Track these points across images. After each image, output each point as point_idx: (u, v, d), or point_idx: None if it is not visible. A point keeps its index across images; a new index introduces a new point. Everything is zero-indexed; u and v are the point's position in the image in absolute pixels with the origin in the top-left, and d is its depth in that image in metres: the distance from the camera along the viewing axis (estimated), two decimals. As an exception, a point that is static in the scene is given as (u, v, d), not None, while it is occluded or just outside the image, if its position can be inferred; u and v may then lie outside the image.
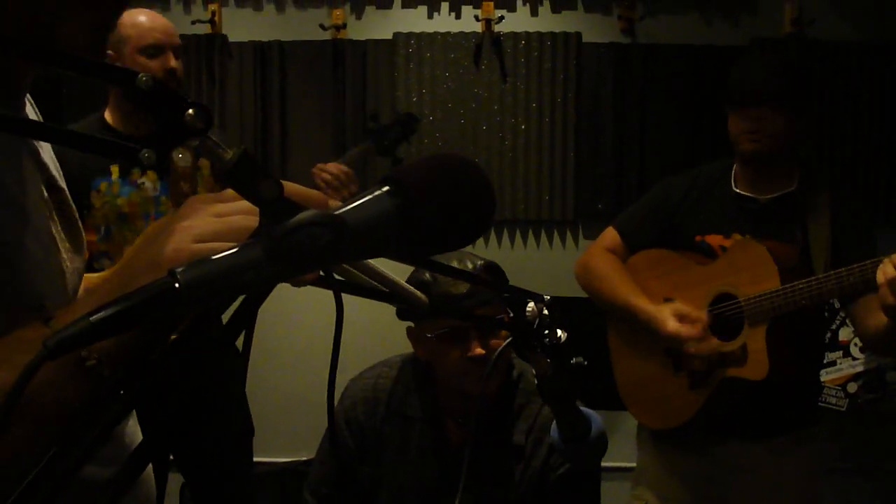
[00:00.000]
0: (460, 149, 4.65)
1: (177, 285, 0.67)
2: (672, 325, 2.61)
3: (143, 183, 2.95)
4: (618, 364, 2.91)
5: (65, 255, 1.08)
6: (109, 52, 2.71)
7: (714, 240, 2.72)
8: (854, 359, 4.53)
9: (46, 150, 1.07)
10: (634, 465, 3.00)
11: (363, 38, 4.69)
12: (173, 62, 2.91)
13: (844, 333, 4.46)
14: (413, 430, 2.34)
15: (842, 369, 4.54)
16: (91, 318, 0.64)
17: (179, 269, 0.68)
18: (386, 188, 0.76)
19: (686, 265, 2.74)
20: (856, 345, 4.50)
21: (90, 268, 2.76)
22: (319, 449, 2.50)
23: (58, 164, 1.12)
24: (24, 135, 0.69)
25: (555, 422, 1.66)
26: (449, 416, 2.33)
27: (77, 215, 1.16)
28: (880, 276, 2.18)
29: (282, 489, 4.39)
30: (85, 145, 0.70)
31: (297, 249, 0.70)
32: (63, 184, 1.12)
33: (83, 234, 1.17)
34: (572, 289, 2.99)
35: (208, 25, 4.63)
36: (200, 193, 2.97)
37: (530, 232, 4.82)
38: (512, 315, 1.39)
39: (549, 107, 4.68)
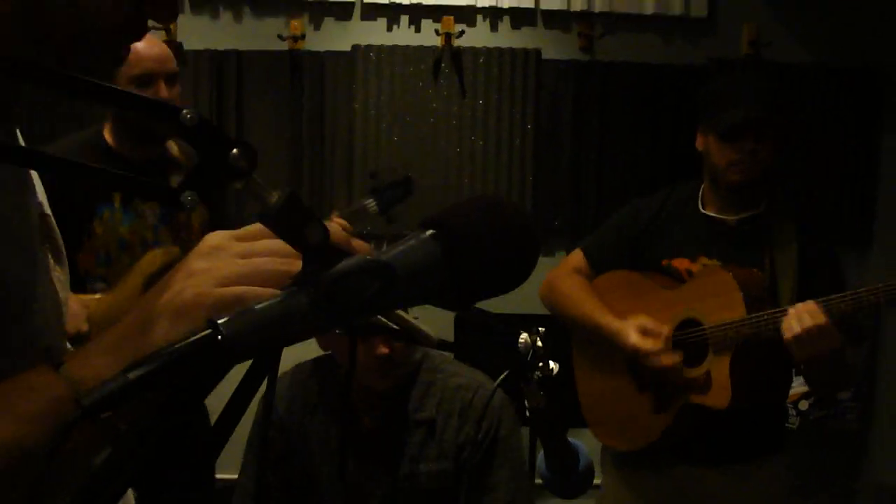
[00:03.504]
0: (417, 163, 4.62)
1: (219, 337, 0.62)
2: (634, 337, 2.59)
3: (144, 211, 2.91)
4: (582, 384, 2.89)
5: (57, 286, 1.02)
6: None
7: (680, 263, 2.71)
8: (792, 379, 4.56)
9: (34, 174, 1.02)
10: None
11: (322, 50, 4.63)
12: (164, 92, 2.82)
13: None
14: (331, 421, 2.37)
15: (793, 387, 4.58)
16: (130, 375, 0.59)
17: (221, 321, 0.63)
18: (430, 232, 0.72)
19: (651, 288, 2.72)
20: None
21: (82, 289, 2.71)
22: (245, 458, 2.51)
23: (42, 188, 1.06)
24: (54, 172, 0.63)
25: (542, 453, 1.63)
26: (361, 406, 2.36)
27: (62, 243, 1.10)
28: (786, 333, 2.34)
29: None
30: (121, 185, 0.65)
31: (345, 299, 0.65)
32: (48, 210, 1.06)
33: (66, 260, 1.11)
34: (530, 305, 2.96)
35: (163, 32, 4.53)
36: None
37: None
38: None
39: (508, 122, 4.67)
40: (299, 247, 0.66)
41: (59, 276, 1.04)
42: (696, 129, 2.76)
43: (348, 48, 4.61)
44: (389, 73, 4.62)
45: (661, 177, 4.48)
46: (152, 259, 2.86)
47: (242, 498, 2.45)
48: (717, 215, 2.71)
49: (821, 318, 2.29)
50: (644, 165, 4.67)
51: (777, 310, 2.43)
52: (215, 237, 0.80)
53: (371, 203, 3.04)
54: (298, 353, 2.49)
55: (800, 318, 2.30)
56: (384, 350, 2.21)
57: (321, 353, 2.47)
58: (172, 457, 0.68)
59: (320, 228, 0.66)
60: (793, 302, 2.46)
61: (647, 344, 2.58)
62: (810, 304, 2.32)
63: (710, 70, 4.60)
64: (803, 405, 4.55)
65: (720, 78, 3.80)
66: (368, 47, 4.60)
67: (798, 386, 4.54)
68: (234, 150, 0.64)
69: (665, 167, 4.58)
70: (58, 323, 0.99)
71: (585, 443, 2.82)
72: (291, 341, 0.66)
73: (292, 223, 0.65)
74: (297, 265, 0.75)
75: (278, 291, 0.74)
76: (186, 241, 2.98)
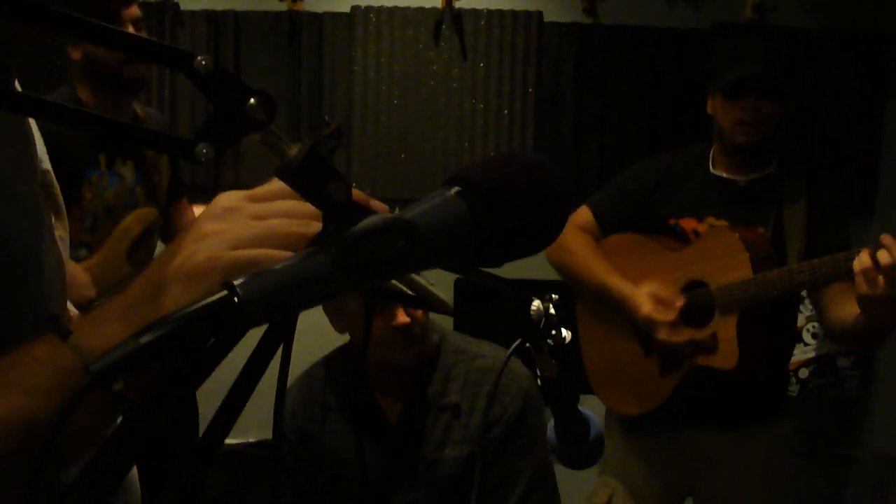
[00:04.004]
0: (417, 127, 4.57)
1: (236, 300, 0.58)
2: (647, 307, 2.58)
3: (123, 174, 2.86)
4: (587, 347, 2.87)
5: (59, 245, 0.98)
6: None
7: (688, 223, 2.70)
8: (806, 344, 4.56)
9: (34, 128, 0.97)
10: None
11: (320, 11, 4.55)
12: (137, 11, 2.81)
13: (797, 320, 4.49)
14: (351, 413, 2.32)
15: (794, 355, 4.58)
16: (141, 340, 0.55)
17: (238, 282, 0.59)
18: (455, 189, 0.68)
19: (658, 250, 2.71)
20: (808, 331, 4.53)
21: None
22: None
23: (42, 144, 1.02)
24: (63, 123, 0.59)
25: (552, 422, 1.61)
26: (381, 393, 2.30)
27: (61, 199, 1.06)
28: (856, 265, 2.15)
29: (230, 471, 4.29)
30: (133, 136, 0.61)
31: (368, 259, 0.62)
32: (48, 165, 1.02)
33: (66, 217, 1.07)
34: (532, 270, 2.92)
35: (159, -10, 4.46)
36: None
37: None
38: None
39: (509, 85, 4.60)
40: (320, 204, 0.62)
41: (61, 234, 1.00)
42: (701, 93, 2.76)
43: (348, 9, 4.53)
44: (389, 35, 4.55)
45: (662, 140, 4.45)
46: (133, 224, 2.84)
47: None
48: (727, 175, 2.69)
49: None
50: (645, 129, 4.62)
51: (783, 269, 2.41)
52: (227, 197, 0.76)
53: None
54: (313, 346, 2.44)
55: (890, 249, 2.11)
56: (404, 319, 2.15)
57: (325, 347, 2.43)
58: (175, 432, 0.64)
59: (343, 185, 0.62)
60: (800, 259, 2.44)
61: (659, 315, 2.56)
62: (890, 240, 2.12)
63: (714, 35, 4.54)
64: (803, 373, 4.54)
65: (725, 42, 3.76)
66: (368, 8, 4.53)
67: (798, 354, 4.55)
68: (252, 100, 0.60)
69: (667, 131, 4.54)
70: (62, 287, 0.95)
71: (591, 409, 2.81)
72: (311, 304, 0.62)
73: (313, 179, 0.61)
74: (314, 227, 0.71)
75: (294, 254, 0.71)
76: (160, 202, 2.96)
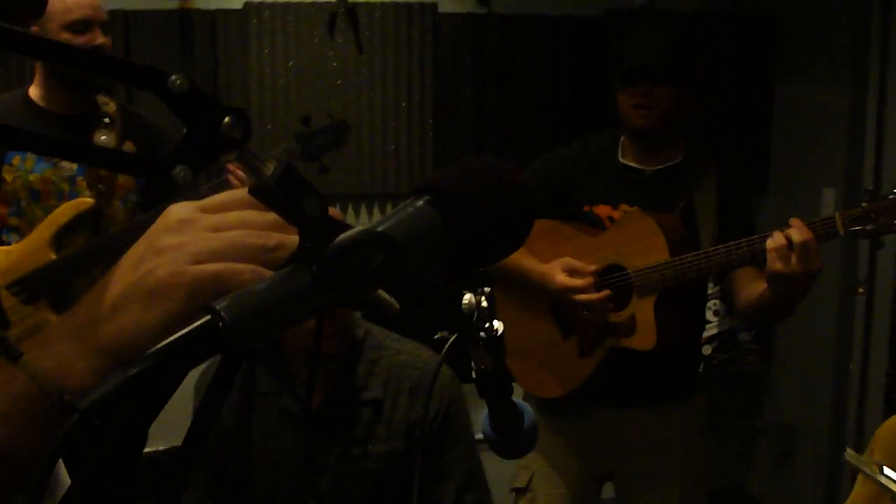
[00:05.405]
0: (315, 122, 4.52)
1: (220, 324, 0.57)
2: (561, 277, 2.64)
3: (60, 161, 2.77)
4: (505, 334, 2.89)
5: None
6: (34, 27, 2.50)
7: (602, 210, 2.75)
8: (708, 322, 4.67)
9: None
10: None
11: (213, 8, 4.46)
12: (101, 38, 2.73)
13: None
14: (272, 405, 2.28)
15: (700, 333, 4.70)
16: (129, 372, 0.53)
17: (220, 305, 0.58)
18: (424, 198, 0.68)
19: (575, 235, 2.76)
20: (709, 308, 4.64)
21: None
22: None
23: None
24: (42, 152, 0.57)
25: (486, 413, 1.61)
26: (302, 382, 2.28)
27: None
28: (769, 244, 2.27)
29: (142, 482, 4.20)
30: (110, 162, 0.59)
31: (348, 274, 0.61)
32: None
33: None
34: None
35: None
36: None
37: (389, 206, 4.74)
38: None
39: (406, 78, 4.60)
40: (296, 221, 0.61)
41: None
42: (598, 80, 2.86)
43: (240, 6, 4.46)
44: (283, 31, 4.49)
45: (561, 129, 4.50)
46: (63, 211, 2.75)
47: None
48: (636, 165, 2.75)
49: (811, 234, 2.26)
50: (545, 118, 4.66)
51: (699, 252, 2.49)
52: (180, 209, 0.74)
53: (295, 147, 2.91)
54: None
55: (799, 229, 2.26)
56: None
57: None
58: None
59: (319, 200, 0.61)
60: (714, 243, 2.53)
61: (573, 282, 2.61)
62: (798, 222, 2.29)
63: (607, 21, 4.61)
64: (706, 350, 4.66)
65: (622, 32, 3.87)
66: (261, 4, 4.46)
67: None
68: (227, 119, 0.59)
69: (566, 119, 4.59)
70: None
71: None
72: (294, 323, 0.61)
73: (290, 196, 0.60)
74: (274, 238, 0.70)
75: (257, 267, 0.69)
76: (106, 194, 2.86)
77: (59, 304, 2.64)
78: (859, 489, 1.96)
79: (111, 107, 2.88)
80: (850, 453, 1.71)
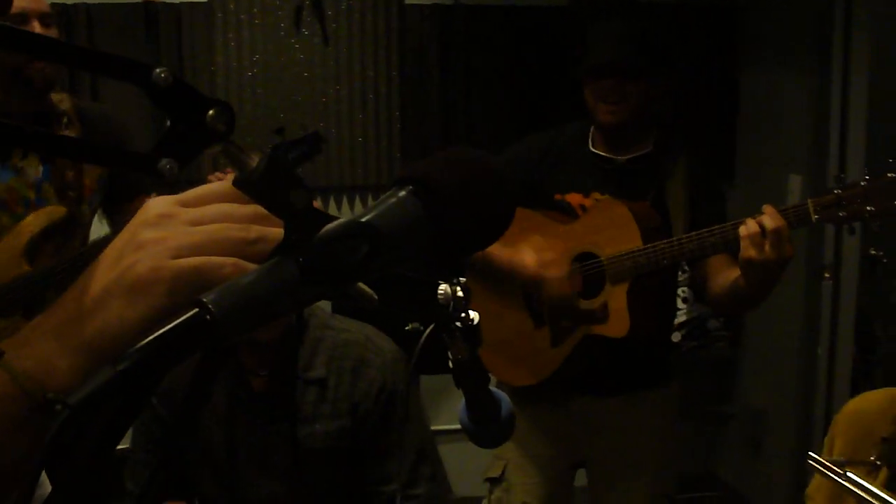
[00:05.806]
0: (282, 115, 4.51)
1: (208, 317, 0.57)
2: (532, 266, 2.66)
3: (23, 168, 2.71)
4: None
5: None
6: None
7: (574, 198, 2.75)
8: (677, 309, 4.70)
9: None
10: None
11: (177, 1, 4.42)
12: (39, 31, 2.64)
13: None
14: (221, 390, 2.28)
15: (669, 320, 4.72)
16: (118, 367, 0.53)
17: (208, 298, 0.57)
18: (407, 189, 0.68)
19: (547, 224, 2.76)
20: (678, 295, 4.67)
21: None
22: (133, 435, 2.42)
23: None
24: (40, 151, 0.56)
25: (463, 403, 1.61)
26: (248, 368, 2.28)
27: None
28: (743, 231, 2.29)
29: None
30: (95, 157, 0.58)
31: (335, 266, 0.61)
32: None
33: None
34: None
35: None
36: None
37: (357, 198, 4.74)
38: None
39: (373, 69, 4.58)
40: (282, 213, 0.61)
41: None
42: (564, 70, 2.86)
43: (205, -1, 4.43)
44: (249, 24, 4.45)
45: (529, 119, 4.50)
46: (34, 220, 2.71)
47: (136, 470, 2.36)
48: (606, 154, 2.76)
49: (783, 221, 2.28)
50: (512, 108, 4.67)
51: (672, 239, 2.50)
52: (159, 203, 0.73)
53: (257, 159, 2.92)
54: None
55: (772, 216, 2.27)
56: None
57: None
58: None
59: (305, 193, 0.60)
60: (686, 230, 2.54)
61: (548, 271, 2.65)
62: (771, 209, 2.30)
63: (572, 11, 4.61)
64: (676, 337, 4.68)
65: (588, 24, 3.88)
66: (226, -3, 4.43)
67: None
68: (211, 112, 0.58)
69: (533, 109, 4.60)
70: None
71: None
72: (281, 315, 0.61)
73: (275, 189, 0.60)
74: (254, 231, 0.70)
75: (238, 261, 0.69)
76: (76, 201, 2.81)
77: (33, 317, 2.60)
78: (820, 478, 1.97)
79: (66, 104, 2.82)
80: (812, 457, 1.72)
